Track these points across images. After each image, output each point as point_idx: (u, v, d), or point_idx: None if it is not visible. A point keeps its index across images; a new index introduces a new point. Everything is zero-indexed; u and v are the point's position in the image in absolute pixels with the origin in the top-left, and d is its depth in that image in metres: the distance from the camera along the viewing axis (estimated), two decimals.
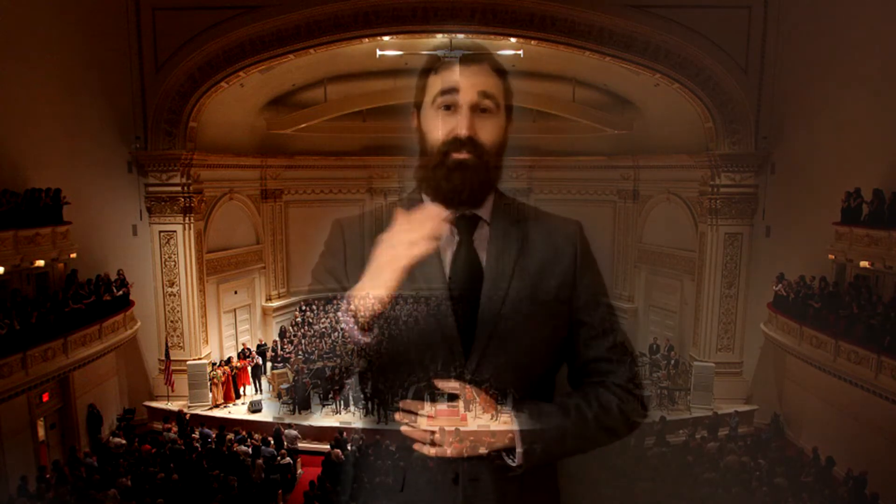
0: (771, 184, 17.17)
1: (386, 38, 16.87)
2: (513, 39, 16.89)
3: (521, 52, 17.09)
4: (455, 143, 1.74)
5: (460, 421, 1.66)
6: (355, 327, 1.61)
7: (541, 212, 1.96)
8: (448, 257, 1.82)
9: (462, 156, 1.74)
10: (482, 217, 1.85)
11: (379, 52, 17.21)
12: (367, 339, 1.62)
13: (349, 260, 1.90)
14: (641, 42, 16.33)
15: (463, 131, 1.74)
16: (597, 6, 16.05)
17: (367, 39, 16.71)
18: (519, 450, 1.66)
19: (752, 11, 16.45)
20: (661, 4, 16.03)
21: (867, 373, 13.05)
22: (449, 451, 1.64)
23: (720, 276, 17.71)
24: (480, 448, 1.64)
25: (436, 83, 1.80)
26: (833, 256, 15.30)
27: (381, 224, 1.88)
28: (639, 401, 1.83)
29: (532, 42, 16.78)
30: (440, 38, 17.25)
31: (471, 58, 1.81)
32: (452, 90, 1.76)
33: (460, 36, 16.86)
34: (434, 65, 1.83)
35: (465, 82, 1.76)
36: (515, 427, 1.66)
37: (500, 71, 1.85)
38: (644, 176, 20.58)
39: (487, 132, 1.78)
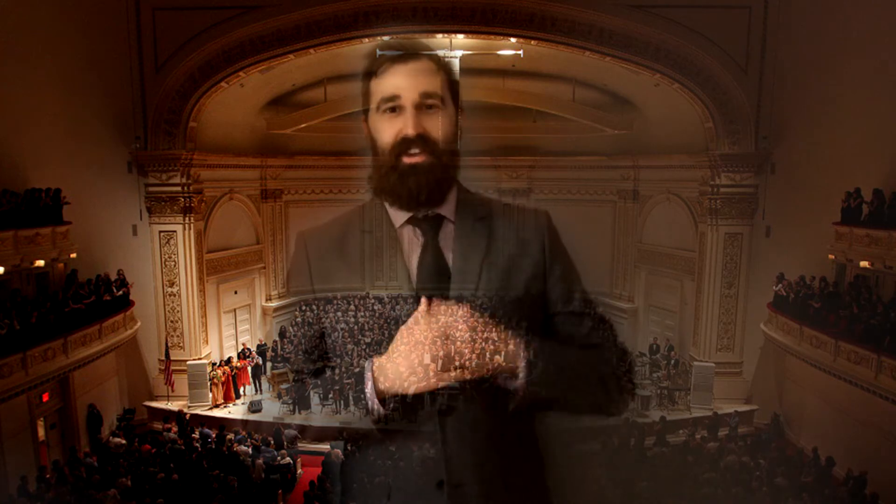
0: (771, 184, 17.16)
1: (386, 38, 16.86)
2: (513, 39, 16.88)
3: (521, 52, 17.08)
4: (404, 143, 1.71)
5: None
6: (376, 398, 1.62)
7: (507, 205, 1.92)
8: (414, 260, 1.78)
9: (414, 158, 1.71)
10: (445, 216, 1.80)
11: (379, 52, 17.16)
12: (384, 411, 1.64)
13: (314, 274, 1.90)
14: (641, 42, 16.33)
15: (410, 130, 1.70)
16: (597, 6, 16.04)
17: (367, 39, 16.70)
18: (522, 369, 1.58)
19: (752, 11, 16.44)
20: (661, 4, 16.03)
21: (867, 373, 13.05)
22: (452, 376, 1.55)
23: (720, 276, 17.70)
24: (484, 369, 1.55)
25: (378, 87, 1.77)
26: (833, 256, 15.30)
27: (350, 227, 1.87)
28: (628, 376, 1.79)
29: (532, 42, 16.77)
30: (440, 38, 17.25)
31: (409, 57, 1.77)
32: (394, 97, 1.73)
33: (460, 36, 16.87)
34: (373, 67, 1.79)
35: (405, 84, 1.73)
36: (519, 342, 1.59)
37: (443, 66, 1.81)
38: (644, 176, 20.57)
39: (437, 127, 1.74)
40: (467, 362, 1.53)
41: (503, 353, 1.57)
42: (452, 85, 1.82)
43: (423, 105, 1.73)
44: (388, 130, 1.75)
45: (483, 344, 1.55)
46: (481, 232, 1.80)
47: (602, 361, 1.75)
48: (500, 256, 1.78)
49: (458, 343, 1.55)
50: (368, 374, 1.63)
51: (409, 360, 1.55)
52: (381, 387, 1.61)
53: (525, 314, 1.75)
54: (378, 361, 1.63)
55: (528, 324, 1.72)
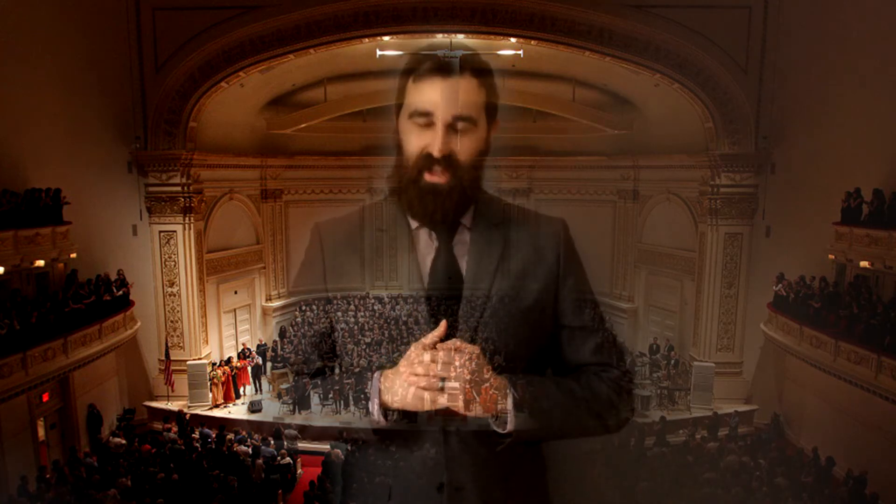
0: (771, 184, 17.16)
1: (386, 38, 16.86)
2: (513, 39, 16.87)
3: (521, 52, 17.08)
4: (429, 160, 1.68)
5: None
6: (380, 409, 1.64)
7: (524, 210, 1.91)
8: (427, 264, 1.78)
9: (436, 178, 1.68)
10: (462, 222, 1.79)
11: (379, 52, 17.20)
12: (385, 423, 1.65)
13: (328, 268, 1.89)
14: (641, 42, 16.33)
15: (437, 151, 1.67)
16: (597, 6, 16.04)
17: (367, 39, 16.70)
18: (510, 413, 1.61)
19: (752, 11, 16.44)
20: (661, 4, 16.02)
21: (867, 373, 13.05)
22: (446, 401, 1.58)
23: (720, 276, 17.70)
24: (471, 406, 1.59)
25: (413, 93, 1.72)
26: (833, 256, 15.30)
27: (363, 224, 1.87)
28: (629, 397, 1.80)
29: (532, 42, 16.77)
30: (440, 38, 17.24)
31: (449, 67, 1.69)
32: (427, 113, 1.68)
33: (460, 36, 16.86)
34: (415, 66, 1.74)
35: (441, 103, 1.67)
36: (508, 390, 1.61)
37: (483, 72, 1.74)
38: (644, 176, 20.56)
39: (465, 149, 1.70)
40: (458, 403, 1.57)
41: (491, 398, 1.60)
42: (490, 101, 1.76)
43: (455, 126, 1.69)
44: (415, 142, 1.72)
45: (474, 388, 1.58)
46: (496, 238, 1.79)
47: (595, 396, 1.75)
48: (514, 263, 1.78)
49: (454, 385, 1.58)
50: (376, 386, 1.64)
51: (415, 380, 1.57)
52: (385, 399, 1.62)
53: (529, 327, 1.76)
54: (385, 375, 1.64)
55: (529, 344, 1.75)
